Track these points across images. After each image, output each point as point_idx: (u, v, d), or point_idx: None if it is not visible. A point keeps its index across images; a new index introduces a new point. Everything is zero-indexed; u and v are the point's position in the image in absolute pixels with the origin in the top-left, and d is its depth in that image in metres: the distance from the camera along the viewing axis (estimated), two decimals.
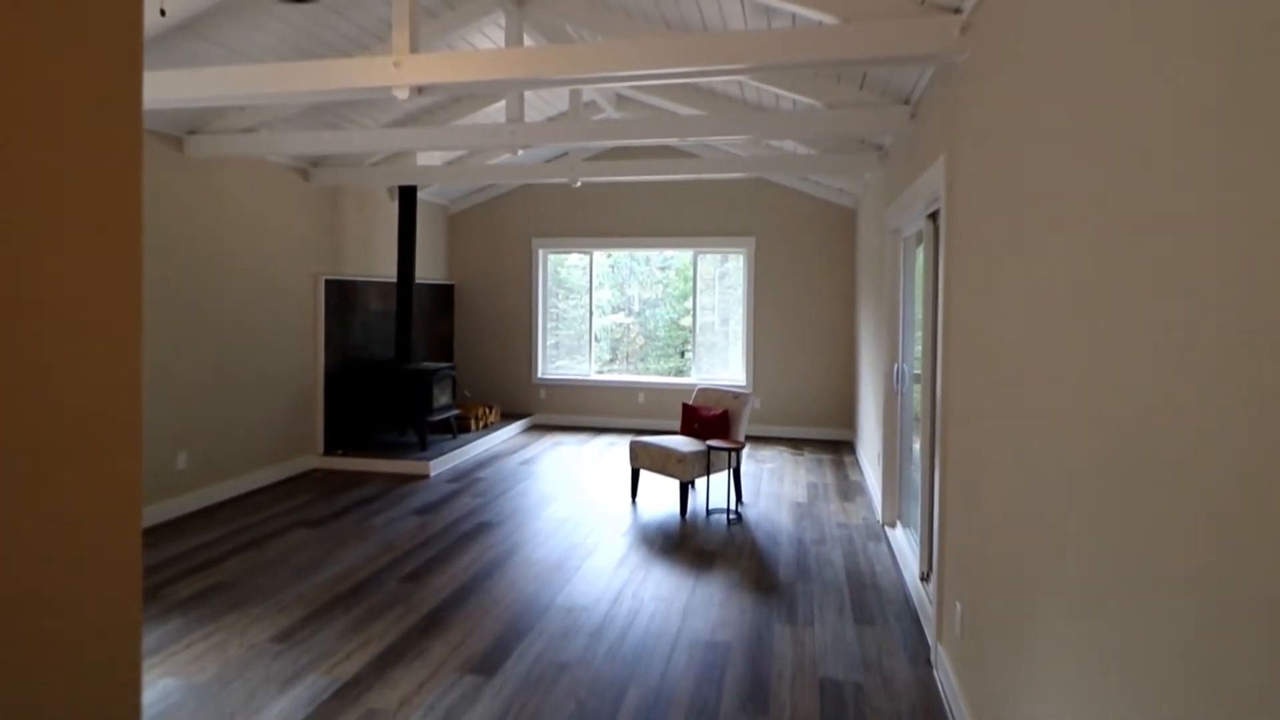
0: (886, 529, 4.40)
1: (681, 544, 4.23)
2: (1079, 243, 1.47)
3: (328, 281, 6.00)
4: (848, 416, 7.32)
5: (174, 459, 4.63)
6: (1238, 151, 0.94)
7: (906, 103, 3.74)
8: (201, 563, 3.82)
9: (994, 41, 2.16)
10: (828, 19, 2.80)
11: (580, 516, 4.75)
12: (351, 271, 6.44)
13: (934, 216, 3.30)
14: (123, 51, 0.65)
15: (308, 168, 5.84)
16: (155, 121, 4.43)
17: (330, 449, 6.07)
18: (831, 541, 4.27)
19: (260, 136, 4.62)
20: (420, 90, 3.08)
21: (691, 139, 4.14)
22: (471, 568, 3.80)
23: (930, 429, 3.27)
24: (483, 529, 4.46)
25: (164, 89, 3.26)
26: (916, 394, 3.91)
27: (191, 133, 4.68)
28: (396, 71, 3.02)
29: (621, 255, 8.44)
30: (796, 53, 2.64)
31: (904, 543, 4.01)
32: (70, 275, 0.58)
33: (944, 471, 2.75)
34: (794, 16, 3.23)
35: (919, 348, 3.66)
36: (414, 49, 3.05)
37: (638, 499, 5.16)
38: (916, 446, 3.79)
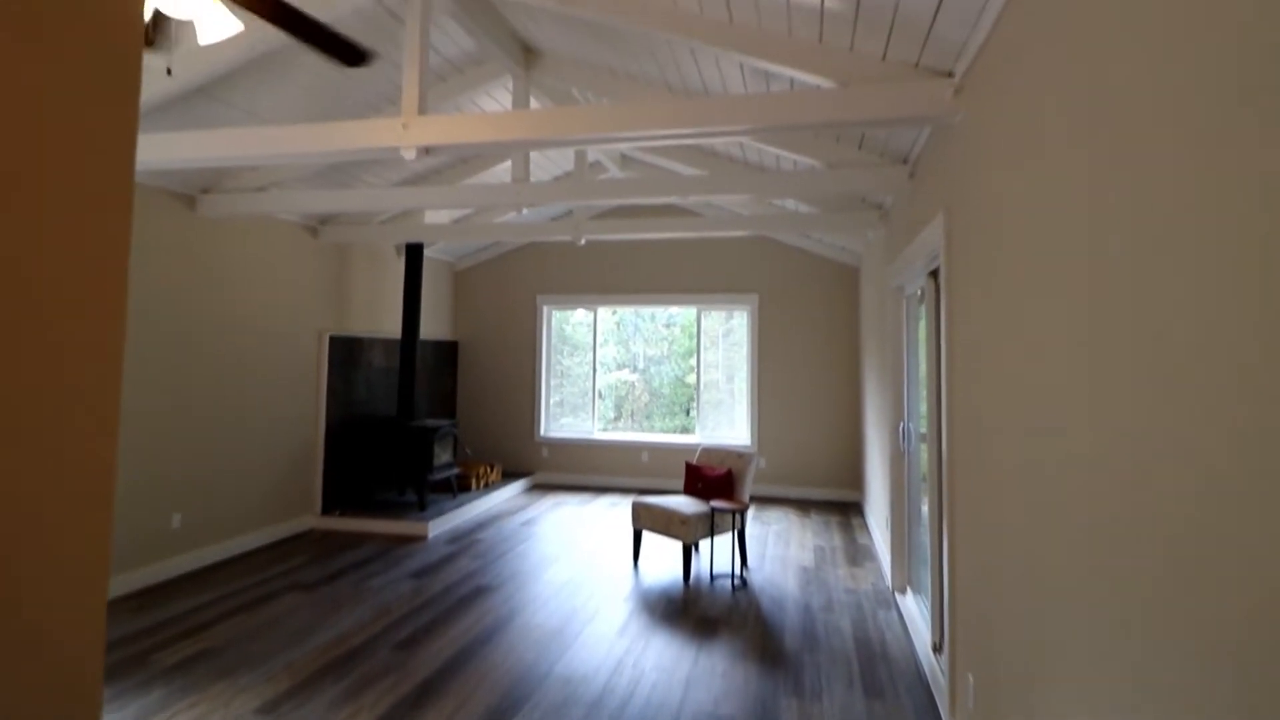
0: (896, 595, 4.25)
1: (684, 610, 4.08)
2: (1076, 297, 1.44)
3: (333, 338, 6.02)
4: (855, 477, 7.19)
5: (169, 519, 4.55)
6: (1233, 203, 0.92)
7: (905, 162, 3.79)
8: (191, 627, 3.70)
9: (986, 103, 2.18)
10: (825, 83, 2.85)
11: (581, 580, 4.61)
12: (357, 328, 6.47)
13: (934, 274, 3.30)
14: (119, 118, 0.65)
15: (317, 225, 5.94)
16: (170, 181, 4.52)
17: (328, 509, 5.97)
18: (840, 608, 4.12)
19: (271, 195, 4.71)
20: (427, 151, 3.14)
21: (694, 198, 4.20)
22: (468, 633, 3.67)
23: (937, 490, 3.18)
24: (480, 593, 4.33)
25: (181, 150, 3.34)
26: (924, 454, 3.83)
27: (205, 191, 4.77)
28: (405, 133, 3.09)
29: (627, 312, 8.48)
30: (795, 115, 2.69)
31: (915, 610, 3.86)
32: (52, 323, 0.58)
33: (952, 535, 2.66)
34: (792, 81, 3.31)
35: (924, 406, 3.60)
36: (422, 111, 3.12)
37: (640, 562, 5.03)
38: (925, 509, 3.69)
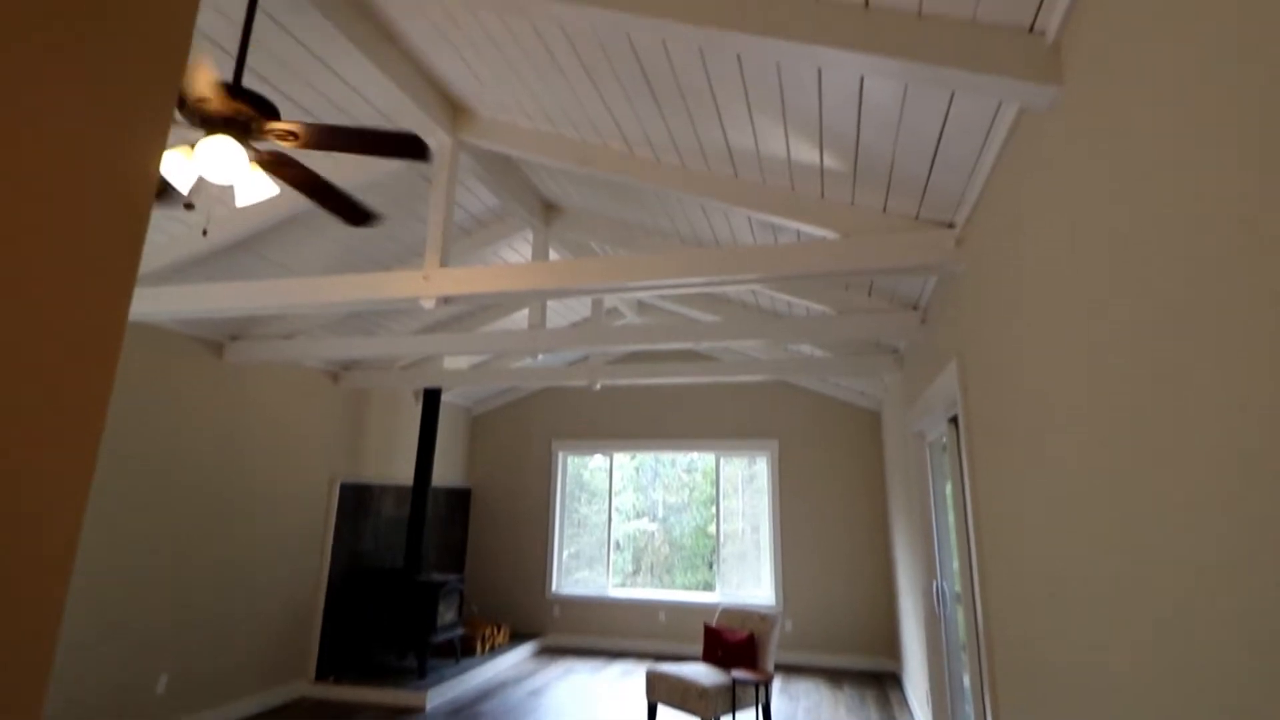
0: None
1: None
2: (1091, 442, 1.33)
3: (344, 485, 5.93)
4: (890, 643, 6.62)
5: (154, 682, 4.25)
6: (1228, 340, 0.84)
7: (915, 308, 3.80)
8: None
9: (987, 251, 2.19)
10: (830, 234, 2.93)
11: None
12: (369, 474, 6.39)
13: (955, 420, 3.19)
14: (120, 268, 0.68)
15: (339, 371, 6.05)
16: (200, 329, 4.68)
17: (322, 675, 5.56)
18: None
19: (297, 342, 4.84)
20: (446, 300, 3.23)
21: (709, 343, 4.22)
22: None
23: (976, 661, 2.87)
24: None
25: (214, 300, 3.47)
26: (961, 616, 3.51)
27: (234, 338, 4.93)
28: (426, 284, 3.19)
29: (646, 457, 8.31)
30: (801, 265, 2.73)
31: None
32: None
33: (996, 713, 2.35)
34: (799, 232, 3.41)
35: (957, 561, 3.34)
36: (445, 263, 3.24)
37: None
38: (968, 681, 3.31)
